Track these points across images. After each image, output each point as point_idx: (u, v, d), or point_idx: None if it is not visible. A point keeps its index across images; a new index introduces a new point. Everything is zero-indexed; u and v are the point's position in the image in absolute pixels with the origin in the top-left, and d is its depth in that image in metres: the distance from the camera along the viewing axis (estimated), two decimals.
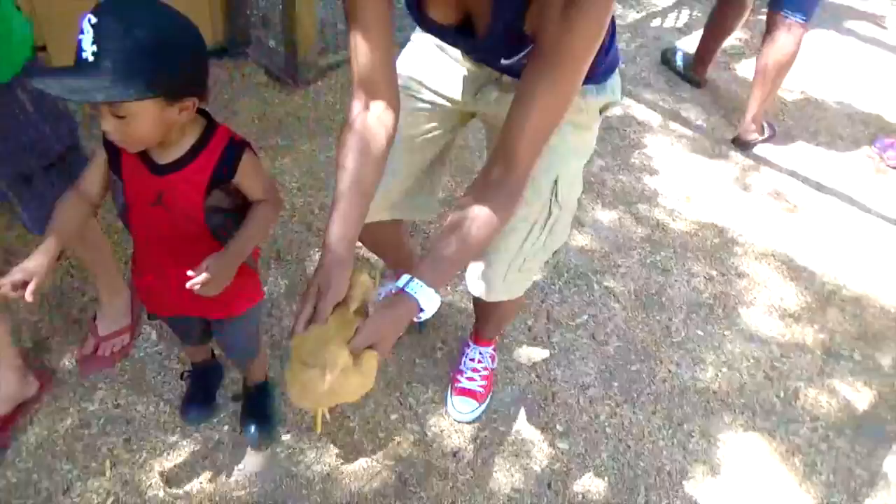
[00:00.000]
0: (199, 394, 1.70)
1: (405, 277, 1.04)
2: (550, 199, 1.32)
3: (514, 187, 1.07)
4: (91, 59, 0.95)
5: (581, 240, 2.37)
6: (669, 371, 1.98)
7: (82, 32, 0.95)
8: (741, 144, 2.97)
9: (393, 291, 1.05)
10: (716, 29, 3.13)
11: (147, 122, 1.04)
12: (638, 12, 3.93)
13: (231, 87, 2.82)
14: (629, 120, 3.02)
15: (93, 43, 0.94)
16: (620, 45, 3.58)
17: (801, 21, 2.67)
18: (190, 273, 1.10)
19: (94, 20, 0.94)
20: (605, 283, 2.22)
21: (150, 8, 1.01)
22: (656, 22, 3.88)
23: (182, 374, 1.73)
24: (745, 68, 3.52)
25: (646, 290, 2.22)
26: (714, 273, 2.33)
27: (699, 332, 2.11)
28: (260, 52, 3.00)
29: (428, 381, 1.85)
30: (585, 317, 2.10)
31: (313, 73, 2.89)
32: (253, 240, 1.22)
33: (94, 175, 1.20)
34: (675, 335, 2.09)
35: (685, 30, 3.84)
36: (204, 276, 1.10)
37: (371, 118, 1.13)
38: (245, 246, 1.20)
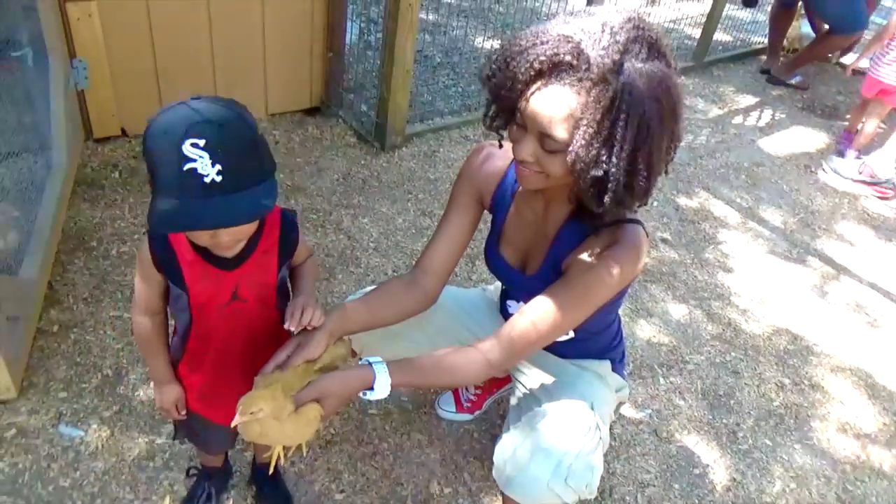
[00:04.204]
0: (205, 496, 1.59)
1: (378, 358, 1.21)
2: (596, 421, 1.39)
3: (494, 359, 1.26)
4: (220, 180, 0.94)
5: (649, 331, 2.34)
6: (734, 479, 1.90)
7: (192, 160, 0.93)
8: (772, 79, 4.34)
9: (361, 363, 1.21)
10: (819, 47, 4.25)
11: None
12: (721, 108, 3.96)
13: (321, 144, 2.97)
14: (705, 214, 3.01)
15: (213, 164, 0.94)
16: (700, 138, 3.61)
17: None
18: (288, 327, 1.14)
19: (202, 143, 0.93)
20: (672, 379, 2.18)
21: (230, 109, 0.99)
22: (738, 119, 3.90)
23: (188, 470, 1.64)
24: (828, 177, 3.48)
25: (714, 390, 2.16)
26: (786, 381, 2.25)
27: (767, 442, 2.03)
28: (351, 115, 3.15)
29: (485, 458, 1.82)
30: (649, 411, 2.05)
31: (399, 139, 3.01)
32: (313, 292, 1.25)
33: (153, 290, 1.19)
34: (741, 442, 2.02)
35: (766, 129, 3.85)
36: (304, 309, 1.14)
37: (416, 286, 1.41)
38: (310, 296, 1.23)
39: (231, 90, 2.76)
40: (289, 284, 1.29)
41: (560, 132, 1.05)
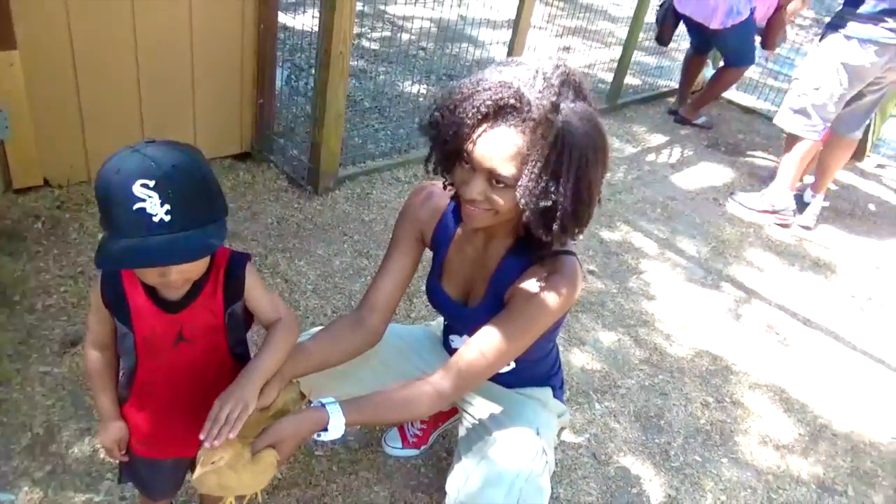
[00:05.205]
0: None
1: (331, 398, 1.25)
2: (542, 445, 1.44)
3: (444, 390, 1.32)
4: (168, 220, 0.98)
5: (582, 359, 2.44)
6: (669, 496, 2.00)
7: (142, 200, 0.96)
8: (679, 119, 4.67)
9: (314, 405, 1.25)
10: (717, 85, 4.56)
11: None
12: (635, 147, 4.22)
13: (253, 189, 2.97)
14: (627, 246, 3.19)
15: (162, 204, 0.97)
16: (618, 175, 3.82)
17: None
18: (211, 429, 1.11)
19: (151, 184, 0.96)
20: (606, 403, 2.28)
21: (182, 152, 1.03)
22: (651, 157, 4.16)
23: None
24: (734, 208, 3.75)
25: (645, 412, 2.28)
26: (710, 399, 2.39)
27: (697, 458, 2.15)
28: (282, 159, 3.18)
29: (433, 491, 1.85)
30: (587, 435, 2.14)
31: (332, 182, 3.06)
32: (271, 366, 1.21)
33: (104, 327, 1.20)
34: (674, 459, 2.13)
35: (677, 166, 4.12)
36: (221, 417, 1.10)
37: (362, 324, 1.44)
38: (261, 374, 1.18)
39: (159, 136, 2.74)
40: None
41: (508, 169, 1.14)
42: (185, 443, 1.27)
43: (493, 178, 1.17)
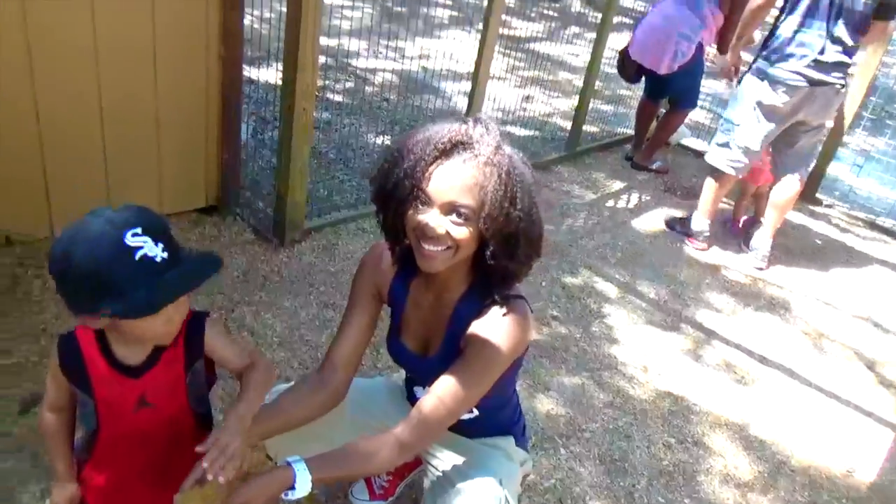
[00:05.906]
0: None
1: (297, 456, 1.28)
2: (504, 495, 1.47)
3: (408, 441, 1.35)
4: (167, 256, 1.04)
5: (547, 404, 2.48)
6: None
7: (140, 248, 1.01)
8: (635, 166, 4.82)
9: (280, 463, 1.27)
10: (664, 129, 4.78)
11: None
12: (594, 193, 4.35)
13: (219, 242, 2.99)
14: (589, 290, 3.27)
15: (156, 244, 1.03)
16: (579, 221, 3.93)
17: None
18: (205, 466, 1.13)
19: (139, 230, 1.02)
20: (571, 448, 2.31)
21: (127, 206, 1.09)
22: (610, 202, 4.29)
23: None
24: (690, 250, 3.88)
25: (609, 455, 2.32)
26: (672, 440, 2.45)
27: (661, 500, 2.19)
28: (248, 212, 3.21)
29: None
30: (553, 481, 2.16)
31: (298, 234, 3.09)
32: (254, 406, 1.26)
33: (62, 393, 1.23)
34: (638, 502, 2.16)
35: (636, 210, 4.25)
36: (217, 455, 1.14)
37: (325, 384, 1.47)
38: (247, 414, 1.23)
39: (123, 190, 2.76)
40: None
41: (468, 200, 1.24)
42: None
43: (452, 210, 1.25)
